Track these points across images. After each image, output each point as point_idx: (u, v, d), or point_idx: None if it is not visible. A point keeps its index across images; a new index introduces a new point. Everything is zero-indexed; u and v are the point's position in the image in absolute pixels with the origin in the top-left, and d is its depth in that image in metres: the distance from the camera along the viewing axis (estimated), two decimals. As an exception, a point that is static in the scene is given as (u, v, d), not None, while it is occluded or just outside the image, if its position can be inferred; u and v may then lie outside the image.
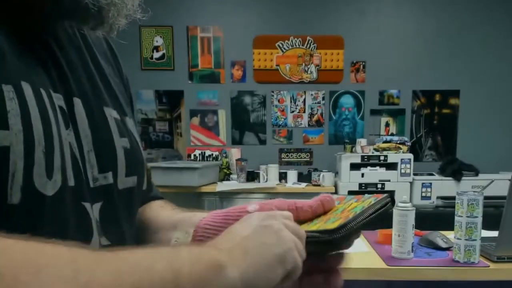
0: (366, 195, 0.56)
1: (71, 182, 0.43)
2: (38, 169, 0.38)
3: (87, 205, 0.46)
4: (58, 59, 0.47)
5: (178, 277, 0.35)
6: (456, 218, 1.35)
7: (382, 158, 3.21)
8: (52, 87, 0.44)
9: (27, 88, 0.39)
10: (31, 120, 0.38)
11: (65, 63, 0.48)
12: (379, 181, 3.20)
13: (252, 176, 3.48)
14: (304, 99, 3.75)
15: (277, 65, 3.71)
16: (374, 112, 3.75)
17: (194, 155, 3.80)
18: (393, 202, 0.52)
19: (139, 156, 0.57)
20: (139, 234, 0.65)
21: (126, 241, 0.55)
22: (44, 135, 0.39)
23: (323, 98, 3.75)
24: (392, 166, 3.23)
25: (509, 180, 1.34)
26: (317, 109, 3.76)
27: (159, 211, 0.68)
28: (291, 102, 3.76)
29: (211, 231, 0.55)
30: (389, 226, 1.44)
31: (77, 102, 0.48)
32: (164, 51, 3.72)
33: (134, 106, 0.68)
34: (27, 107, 0.38)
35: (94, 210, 0.48)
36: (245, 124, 3.78)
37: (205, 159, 3.79)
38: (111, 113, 0.53)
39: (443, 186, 3.19)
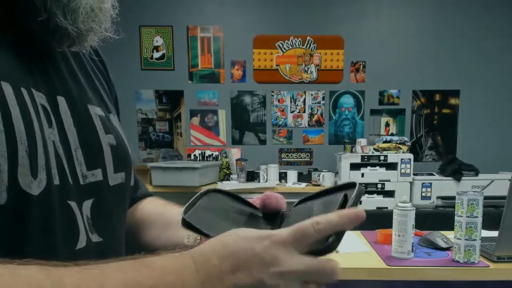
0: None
1: (56, 181, 0.43)
2: (23, 169, 0.38)
3: (72, 203, 0.46)
4: (42, 58, 0.47)
5: None
6: (456, 218, 1.35)
7: (382, 158, 3.21)
8: (34, 85, 0.44)
9: (7, 88, 0.39)
10: (12, 120, 0.38)
11: (49, 62, 0.48)
12: (379, 181, 3.20)
13: (252, 176, 3.48)
14: (304, 99, 3.75)
15: (277, 65, 3.71)
16: (374, 112, 3.75)
17: (194, 155, 3.80)
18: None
19: (125, 152, 0.58)
20: (138, 233, 0.65)
21: (118, 237, 0.55)
22: (26, 135, 0.39)
23: (323, 98, 3.75)
24: (392, 166, 3.23)
25: (509, 180, 1.34)
26: (317, 109, 3.76)
27: (157, 207, 0.69)
28: (291, 102, 3.76)
29: None
30: (389, 226, 1.44)
31: (61, 100, 0.48)
32: (164, 51, 3.72)
33: (119, 108, 0.68)
34: (8, 107, 0.38)
35: (84, 207, 0.47)
36: (245, 124, 3.78)
37: (205, 159, 3.79)
38: (95, 111, 0.53)
39: (443, 186, 3.19)
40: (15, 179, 0.38)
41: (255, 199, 0.61)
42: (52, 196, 0.42)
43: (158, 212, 0.68)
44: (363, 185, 0.48)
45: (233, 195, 0.59)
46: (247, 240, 0.40)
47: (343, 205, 0.45)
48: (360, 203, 0.47)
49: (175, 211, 0.66)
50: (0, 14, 0.43)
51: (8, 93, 0.39)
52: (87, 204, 0.48)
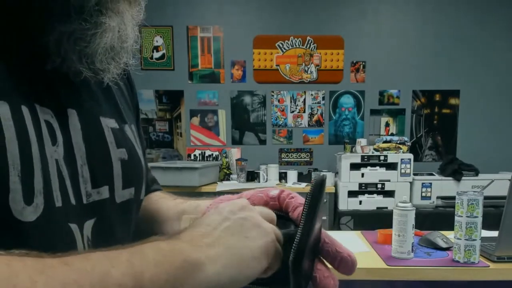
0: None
1: (58, 203, 0.41)
2: (14, 195, 0.36)
3: (73, 226, 0.44)
4: (48, 70, 0.45)
5: (140, 281, 0.32)
6: (456, 218, 1.35)
7: (382, 158, 3.21)
8: (39, 100, 0.42)
9: (3, 108, 0.37)
10: (5, 143, 0.36)
11: (58, 73, 0.46)
12: (379, 181, 3.20)
13: (252, 176, 3.48)
14: (304, 99, 3.75)
15: (277, 65, 3.71)
16: (374, 112, 3.75)
17: (194, 155, 3.80)
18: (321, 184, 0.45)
19: (137, 166, 0.56)
20: (144, 227, 0.64)
21: None
22: (20, 158, 0.37)
23: (323, 98, 3.75)
24: (392, 166, 3.23)
25: (509, 180, 1.34)
26: (317, 109, 3.76)
27: (162, 202, 0.67)
28: (291, 102, 3.76)
29: None
30: (389, 226, 1.44)
31: (72, 113, 0.46)
32: (164, 51, 3.72)
33: (139, 114, 0.67)
34: (1, 129, 0.36)
35: (85, 228, 0.46)
36: (245, 124, 3.78)
37: (205, 159, 3.79)
38: (108, 123, 0.51)
39: (443, 186, 3.19)
40: (6, 207, 0.36)
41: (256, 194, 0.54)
42: (52, 220, 0.40)
43: (154, 208, 0.67)
44: (323, 175, 0.46)
45: None
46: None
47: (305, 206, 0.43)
48: (321, 192, 0.44)
49: (170, 204, 0.65)
50: (3, 32, 0.41)
51: (3, 114, 0.37)
52: (89, 224, 0.46)
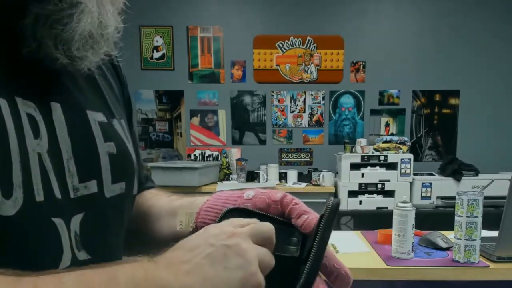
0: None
1: (40, 197, 0.41)
2: None
3: (57, 220, 0.43)
4: (33, 63, 0.44)
5: None
6: (456, 218, 1.35)
7: (382, 158, 3.21)
8: (20, 93, 0.41)
9: None
10: None
11: (44, 66, 0.45)
12: (379, 181, 3.20)
13: (252, 176, 3.48)
14: (304, 99, 3.75)
15: (277, 65, 3.71)
16: (374, 112, 3.75)
17: (194, 155, 3.80)
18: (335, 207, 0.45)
19: (127, 160, 0.54)
20: (137, 224, 0.64)
21: (112, 253, 0.52)
22: None
23: (323, 98, 3.75)
24: (392, 166, 3.23)
25: (509, 180, 1.34)
26: (317, 109, 3.76)
27: (156, 199, 0.66)
28: (291, 102, 3.76)
29: (212, 214, 0.54)
30: (389, 226, 1.44)
31: (56, 107, 0.45)
32: (164, 51, 3.72)
33: (133, 107, 0.66)
34: None
35: (73, 223, 0.45)
36: (245, 124, 3.78)
37: (205, 159, 3.79)
38: (95, 117, 0.50)
39: (443, 186, 3.19)
40: None
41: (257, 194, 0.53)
42: (32, 215, 0.40)
43: (148, 205, 0.66)
44: (337, 199, 0.46)
45: (250, 211, 0.51)
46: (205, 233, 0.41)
47: (318, 228, 0.44)
48: (334, 219, 0.44)
49: (164, 201, 0.64)
50: None
51: None
52: (77, 219, 0.45)
